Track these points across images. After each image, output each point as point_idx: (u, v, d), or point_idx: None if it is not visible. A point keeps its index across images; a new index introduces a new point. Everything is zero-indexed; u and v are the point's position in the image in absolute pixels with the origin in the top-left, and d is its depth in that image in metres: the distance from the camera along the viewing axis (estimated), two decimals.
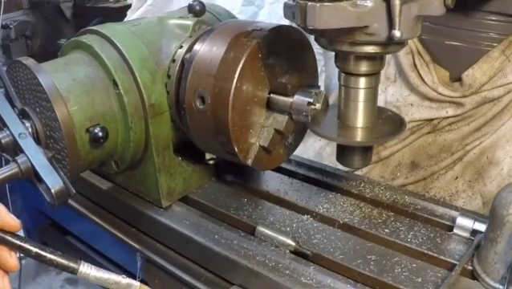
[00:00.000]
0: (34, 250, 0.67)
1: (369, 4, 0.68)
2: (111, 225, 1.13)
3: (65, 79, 0.90)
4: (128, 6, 2.03)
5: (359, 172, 1.41)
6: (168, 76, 0.98)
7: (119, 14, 2.09)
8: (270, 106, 0.94)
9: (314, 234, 0.94)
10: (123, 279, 0.69)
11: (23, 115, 0.91)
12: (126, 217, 1.11)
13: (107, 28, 0.97)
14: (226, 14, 1.12)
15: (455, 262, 0.85)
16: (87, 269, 0.68)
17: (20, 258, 1.88)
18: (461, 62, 1.25)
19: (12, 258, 0.67)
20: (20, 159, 0.82)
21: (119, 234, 1.10)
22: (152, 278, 1.09)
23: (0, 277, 0.67)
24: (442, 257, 0.87)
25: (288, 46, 0.94)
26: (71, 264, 0.68)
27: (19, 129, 0.85)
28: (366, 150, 0.89)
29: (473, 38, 1.23)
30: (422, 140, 1.38)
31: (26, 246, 0.67)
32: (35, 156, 0.81)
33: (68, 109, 0.87)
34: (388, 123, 0.88)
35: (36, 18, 2.30)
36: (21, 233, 1.93)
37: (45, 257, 0.68)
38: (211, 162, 1.08)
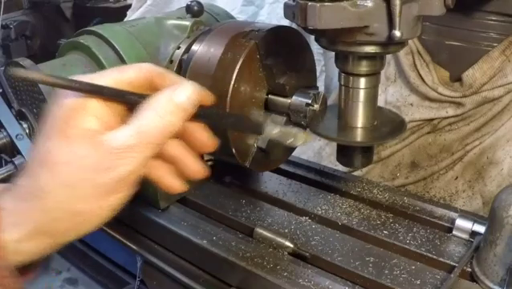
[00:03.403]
0: (230, 120, 0.68)
1: (369, 4, 0.67)
2: (108, 226, 1.12)
3: None
4: (128, 6, 2.03)
5: (358, 173, 1.41)
6: None
7: (119, 14, 2.09)
8: (268, 107, 0.93)
9: (312, 235, 0.94)
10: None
11: (20, 116, 0.91)
12: (123, 218, 1.11)
13: (105, 29, 0.97)
14: (224, 15, 1.11)
15: (454, 264, 0.84)
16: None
17: None
18: (461, 62, 1.24)
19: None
20: (17, 160, 0.82)
21: (117, 236, 1.10)
22: (149, 279, 1.09)
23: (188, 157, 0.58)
24: (441, 259, 0.86)
25: (286, 46, 0.93)
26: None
27: (16, 130, 0.85)
28: (366, 150, 0.89)
29: (473, 38, 1.22)
30: (422, 140, 1.37)
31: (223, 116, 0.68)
32: None
33: None
34: (389, 123, 0.88)
35: (36, 18, 2.30)
36: None
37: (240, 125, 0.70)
38: (209, 163, 1.08)
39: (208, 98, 0.59)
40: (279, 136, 0.72)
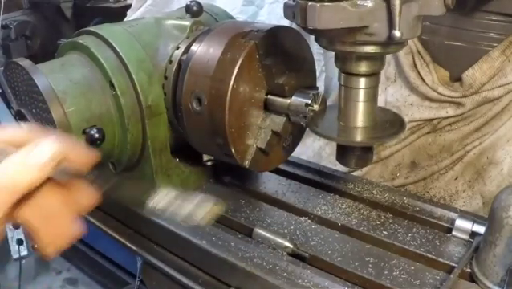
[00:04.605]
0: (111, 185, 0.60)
1: (369, 4, 0.67)
2: (108, 226, 1.12)
3: (61, 80, 0.90)
4: (128, 6, 2.03)
5: (358, 173, 1.40)
6: (165, 77, 0.97)
7: (119, 14, 2.09)
8: (267, 107, 0.93)
9: (311, 236, 0.93)
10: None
11: (19, 116, 0.91)
12: (123, 218, 1.11)
13: (104, 29, 0.97)
14: (224, 15, 1.11)
15: (454, 264, 0.84)
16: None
17: (20, 259, 1.85)
18: (461, 62, 1.24)
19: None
20: None
21: (117, 236, 1.09)
22: (149, 280, 1.09)
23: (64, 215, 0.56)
24: (441, 259, 0.86)
25: (286, 47, 0.93)
26: None
27: None
28: (366, 150, 0.89)
29: (473, 38, 1.22)
30: (422, 140, 1.37)
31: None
32: None
33: (64, 110, 0.87)
34: (388, 123, 0.88)
35: (36, 18, 2.31)
36: (20, 232, 1.89)
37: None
38: (209, 163, 1.08)
39: (86, 161, 0.57)
40: (173, 207, 0.55)
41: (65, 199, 0.56)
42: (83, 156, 0.57)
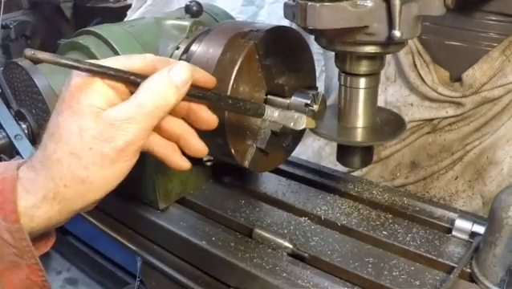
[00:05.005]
0: (231, 102, 0.68)
1: (369, 4, 0.67)
2: (108, 226, 1.12)
3: (61, 80, 0.89)
4: (128, 6, 2.03)
5: (358, 173, 1.40)
6: None
7: (119, 14, 2.09)
8: None
9: (311, 236, 0.93)
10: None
11: (19, 116, 0.91)
12: (123, 218, 1.11)
13: (104, 29, 0.97)
14: (224, 15, 1.11)
15: (454, 264, 0.84)
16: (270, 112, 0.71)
17: None
18: (461, 62, 1.24)
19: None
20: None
21: (116, 236, 1.09)
22: (149, 280, 1.09)
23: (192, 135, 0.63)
24: (440, 259, 0.86)
25: (285, 47, 0.93)
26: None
27: (15, 131, 0.85)
28: (367, 150, 0.88)
29: (473, 38, 1.22)
30: (422, 140, 1.37)
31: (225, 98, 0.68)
32: None
33: None
34: (388, 123, 0.87)
35: (36, 18, 2.31)
36: None
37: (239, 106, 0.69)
38: (208, 163, 1.08)
39: (209, 80, 0.63)
40: (281, 119, 0.70)
41: (189, 120, 0.62)
42: (206, 77, 0.63)
